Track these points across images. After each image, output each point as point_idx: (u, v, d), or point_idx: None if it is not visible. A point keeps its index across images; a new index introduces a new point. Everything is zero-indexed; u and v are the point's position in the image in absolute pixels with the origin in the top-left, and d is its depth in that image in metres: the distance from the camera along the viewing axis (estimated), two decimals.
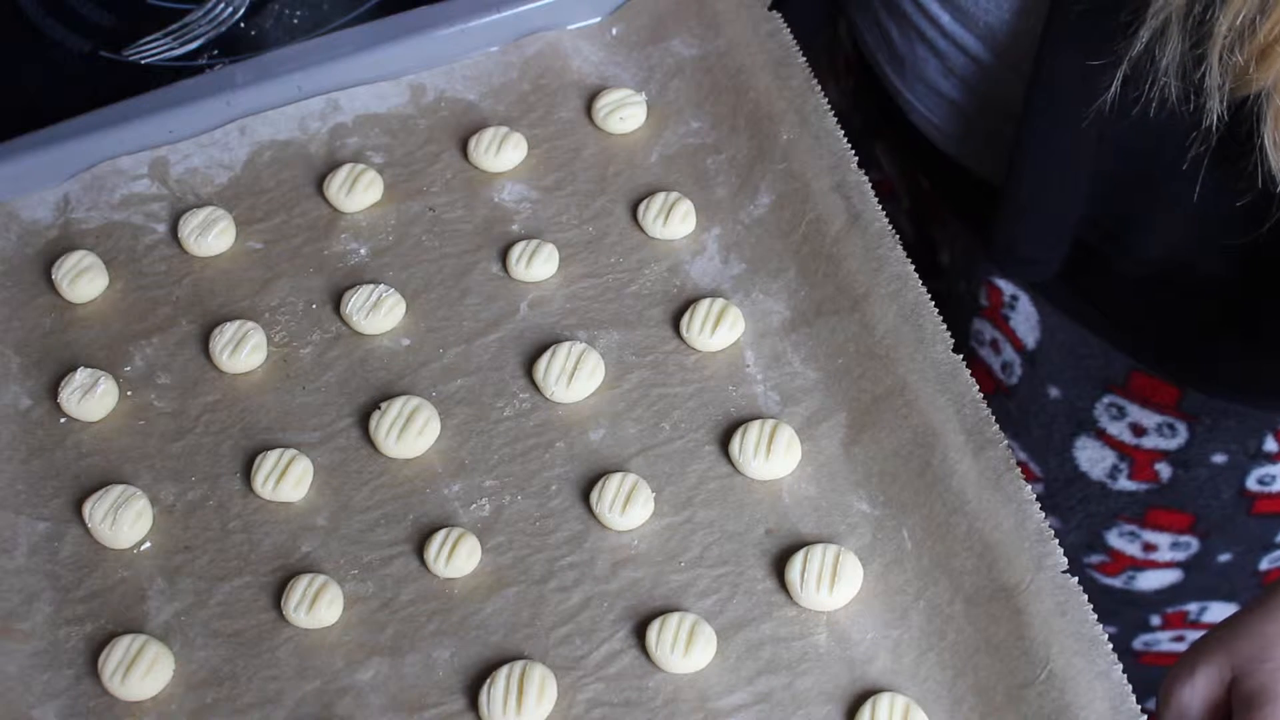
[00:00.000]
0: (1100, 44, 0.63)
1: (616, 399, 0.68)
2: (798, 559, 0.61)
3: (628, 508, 0.63)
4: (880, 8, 0.84)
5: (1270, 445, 0.82)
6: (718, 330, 0.68)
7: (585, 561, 0.63)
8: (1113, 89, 0.62)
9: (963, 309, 0.88)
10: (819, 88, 0.75)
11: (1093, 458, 0.86)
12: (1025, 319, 0.84)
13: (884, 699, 0.57)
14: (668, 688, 0.59)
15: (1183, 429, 0.82)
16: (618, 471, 0.65)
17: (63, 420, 0.69)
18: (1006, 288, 0.84)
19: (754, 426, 0.65)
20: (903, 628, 0.60)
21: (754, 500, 0.64)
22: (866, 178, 0.71)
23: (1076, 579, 0.57)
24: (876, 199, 0.70)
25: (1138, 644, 0.96)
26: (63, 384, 0.69)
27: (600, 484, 0.64)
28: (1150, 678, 0.75)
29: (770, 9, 0.79)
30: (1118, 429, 0.84)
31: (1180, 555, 0.89)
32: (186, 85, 0.79)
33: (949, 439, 0.62)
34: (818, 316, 0.69)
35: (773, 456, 0.64)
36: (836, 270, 0.69)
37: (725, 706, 0.58)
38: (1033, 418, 0.87)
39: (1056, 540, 0.58)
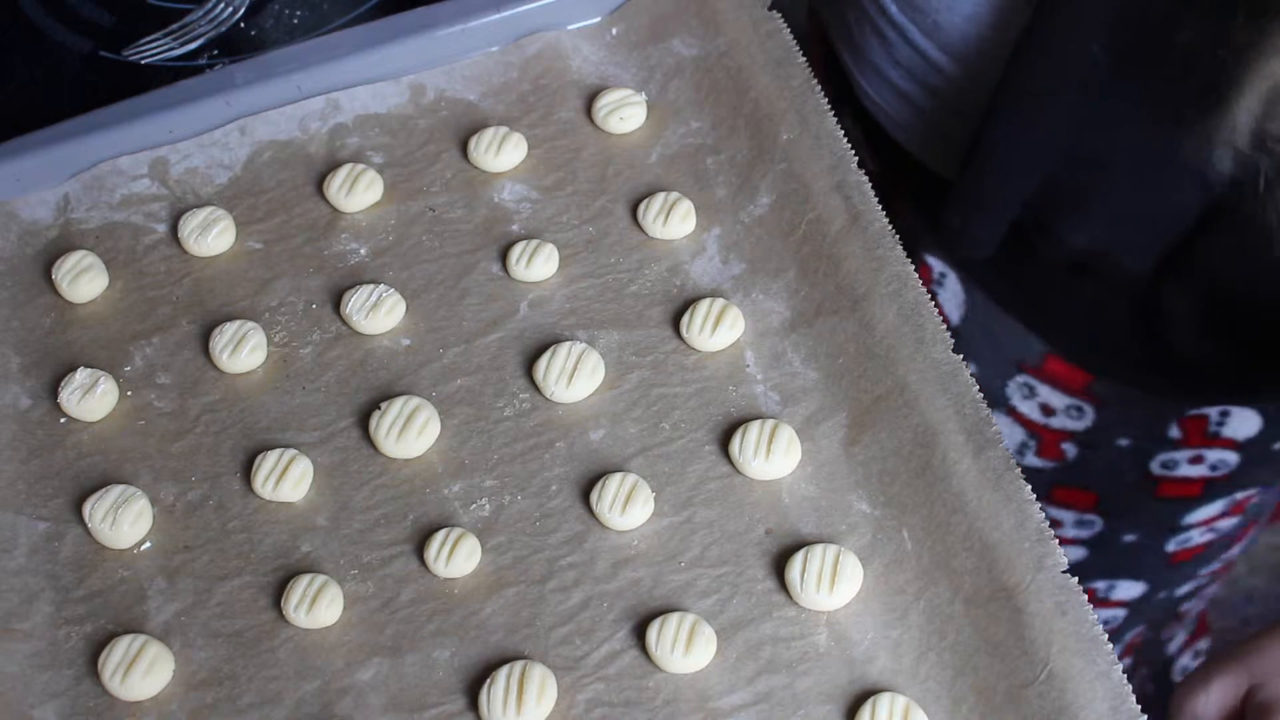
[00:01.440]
0: (1079, 56, 0.65)
1: (616, 399, 0.68)
2: (798, 559, 0.61)
3: (628, 508, 0.63)
4: None
5: (1174, 432, 0.83)
6: (718, 330, 0.68)
7: (585, 561, 0.63)
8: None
9: None
10: (819, 87, 0.75)
11: (1002, 434, 0.88)
12: (952, 296, 0.86)
13: (884, 699, 0.57)
14: (668, 688, 0.59)
15: (1090, 411, 0.83)
16: (618, 471, 0.65)
17: (63, 420, 0.69)
18: (936, 265, 0.86)
19: (754, 426, 0.65)
20: (903, 628, 0.60)
21: (754, 500, 0.64)
22: (866, 177, 0.71)
23: (1076, 579, 0.58)
24: (876, 198, 0.70)
25: None
26: (63, 384, 0.69)
27: (600, 484, 0.64)
28: None
29: (770, 9, 0.79)
30: (1028, 408, 0.85)
31: (1084, 533, 0.91)
32: (186, 85, 0.79)
33: (949, 439, 0.62)
34: (818, 316, 0.69)
35: (773, 456, 0.64)
36: (836, 270, 0.69)
37: (725, 706, 0.58)
38: None
39: (1057, 540, 0.58)
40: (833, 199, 0.71)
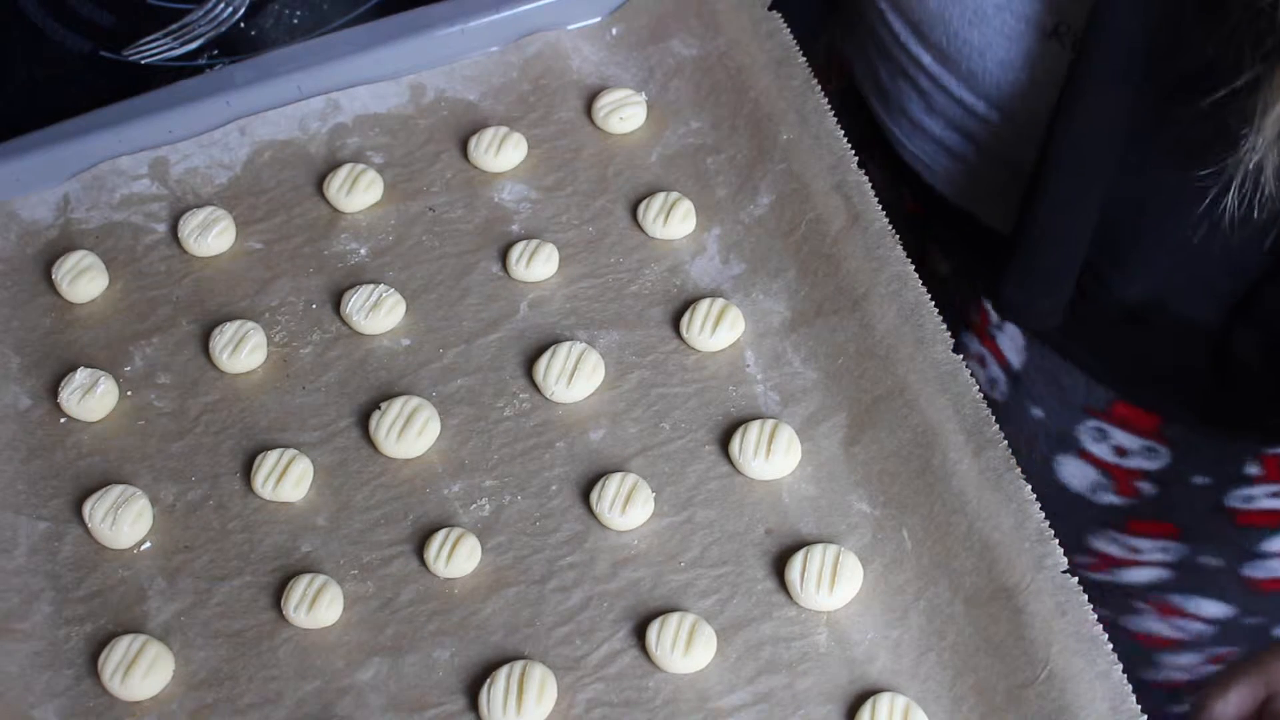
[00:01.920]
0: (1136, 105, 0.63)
1: (616, 399, 0.68)
2: (798, 559, 0.61)
3: (628, 508, 0.63)
4: (867, 39, 0.85)
5: (1252, 469, 0.82)
6: (718, 330, 0.68)
7: (585, 561, 0.63)
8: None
9: (949, 320, 0.88)
10: (819, 88, 0.75)
11: (1075, 473, 0.86)
12: (1011, 340, 0.84)
13: (884, 699, 0.57)
14: (668, 688, 0.59)
15: (1165, 452, 0.82)
16: (618, 471, 0.65)
17: (63, 420, 0.69)
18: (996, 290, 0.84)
19: (754, 426, 0.65)
20: (903, 628, 0.60)
21: (754, 500, 0.64)
22: (866, 177, 0.71)
23: (1076, 579, 0.57)
24: (876, 199, 0.70)
25: (1123, 621, 0.96)
26: (63, 384, 0.69)
27: (600, 484, 0.64)
28: (1136, 647, 0.78)
29: (770, 9, 0.79)
30: (1100, 450, 0.84)
31: (1166, 557, 0.90)
32: (186, 85, 0.79)
33: (949, 439, 0.62)
34: (818, 316, 0.69)
35: (773, 456, 0.64)
36: (836, 270, 0.69)
37: (725, 706, 0.58)
38: (1016, 432, 0.86)
39: (1056, 540, 0.58)
40: (833, 199, 0.71)
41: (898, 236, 0.68)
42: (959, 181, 0.82)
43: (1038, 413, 0.85)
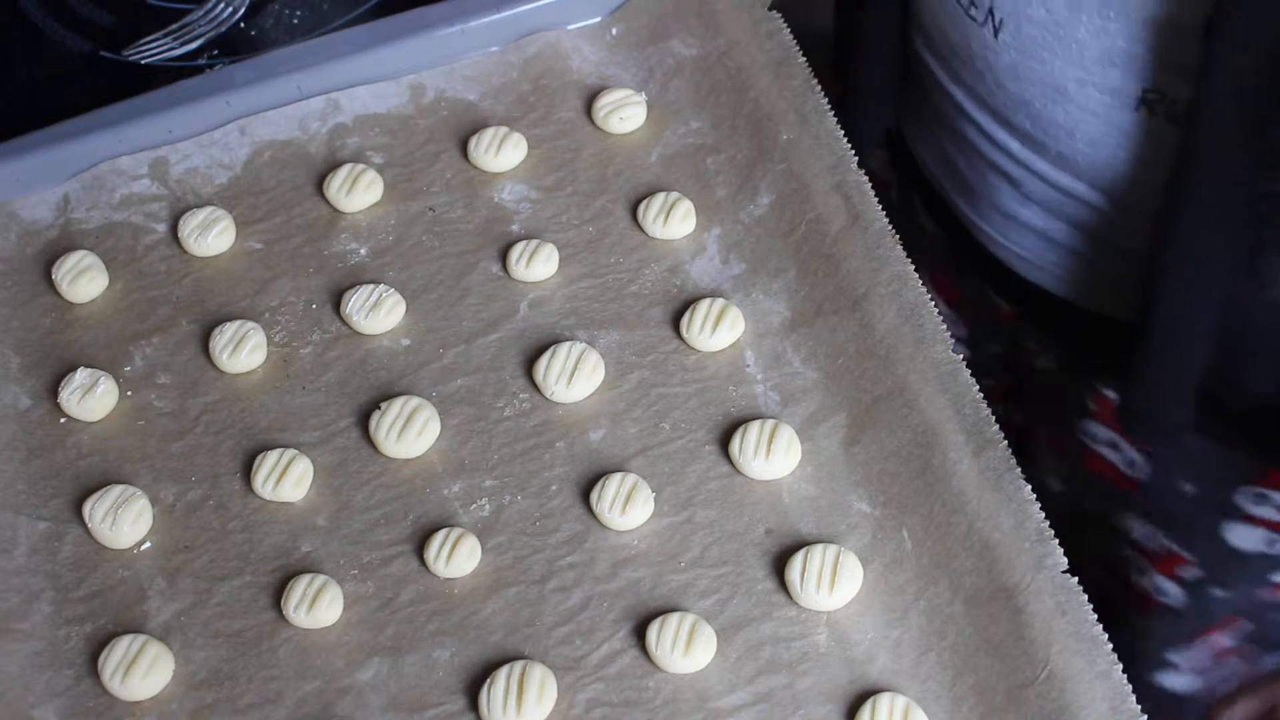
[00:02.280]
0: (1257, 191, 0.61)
1: (616, 399, 0.68)
2: (798, 559, 0.61)
3: (628, 508, 0.63)
4: (944, 136, 0.81)
5: None
6: (718, 330, 0.68)
7: (585, 561, 0.63)
8: None
9: (1063, 410, 0.84)
10: (819, 87, 0.75)
11: (1245, 537, 0.83)
12: None
13: (884, 699, 0.57)
14: (668, 688, 0.59)
15: None
16: (618, 471, 0.65)
17: (63, 420, 0.69)
18: (1117, 397, 0.80)
19: (754, 426, 0.65)
20: (903, 628, 0.60)
21: (754, 500, 0.64)
22: (868, 179, 0.71)
23: (1077, 579, 0.57)
24: (877, 199, 0.70)
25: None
26: (63, 384, 0.69)
27: (600, 484, 0.64)
28: None
29: (770, 9, 0.78)
30: (1265, 512, 0.81)
31: None
32: (186, 85, 0.79)
33: (949, 439, 0.62)
34: (818, 316, 0.69)
35: (773, 456, 0.64)
36: (836, 270, 0.69)
37: (725, 706, 0.58)
38: (1170, 508, 0.84)
39: (1056, 540, 0.58)
40: (833, 199, 0.71)
41: (897, 236, 0.68)
42: (1069, 273, 0.78)
43: (1189, 488, 0.82)
